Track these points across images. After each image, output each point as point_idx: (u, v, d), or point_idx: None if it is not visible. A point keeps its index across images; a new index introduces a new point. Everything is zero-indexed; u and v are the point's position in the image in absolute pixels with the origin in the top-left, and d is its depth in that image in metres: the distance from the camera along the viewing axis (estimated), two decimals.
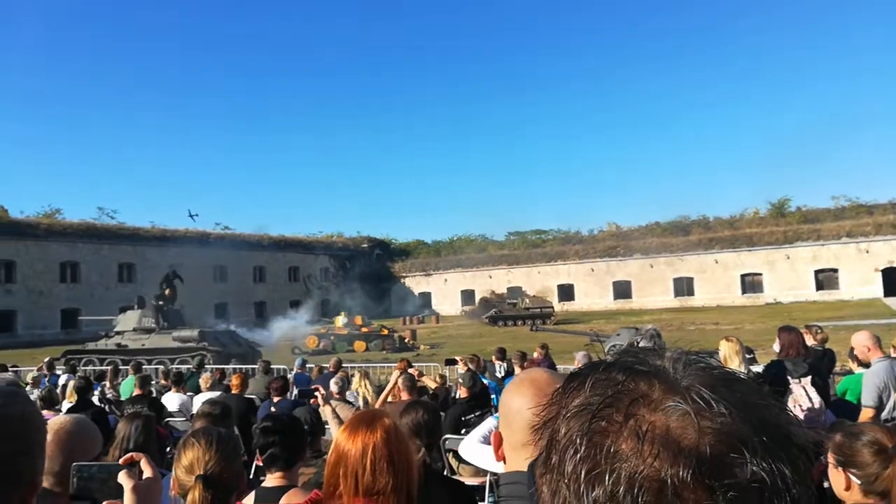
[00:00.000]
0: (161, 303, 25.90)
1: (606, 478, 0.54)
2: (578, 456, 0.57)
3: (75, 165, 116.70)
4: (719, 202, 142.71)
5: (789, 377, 5.09)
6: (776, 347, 5.68)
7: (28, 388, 9.95)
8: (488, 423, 3.36)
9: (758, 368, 6.59)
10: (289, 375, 11.66)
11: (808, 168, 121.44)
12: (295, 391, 8.33)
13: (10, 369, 13.11)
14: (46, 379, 11.38)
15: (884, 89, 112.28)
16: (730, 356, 5.11)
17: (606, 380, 0.62)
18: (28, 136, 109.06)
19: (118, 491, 1.58)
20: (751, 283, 54.72)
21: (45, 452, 1.22)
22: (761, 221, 59.67)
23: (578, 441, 0.58)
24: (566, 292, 61.32)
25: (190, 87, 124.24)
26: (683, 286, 56.84)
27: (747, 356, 6.15)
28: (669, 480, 0.52)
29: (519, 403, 1.48)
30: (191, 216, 57.97)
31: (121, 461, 1.63)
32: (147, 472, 1.63)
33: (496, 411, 3.60)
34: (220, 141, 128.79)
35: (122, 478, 1.58)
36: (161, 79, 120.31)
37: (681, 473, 0.52)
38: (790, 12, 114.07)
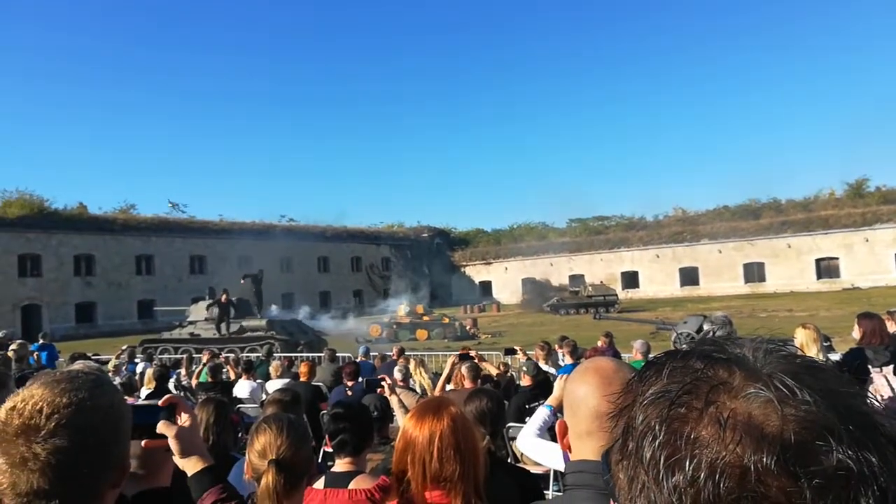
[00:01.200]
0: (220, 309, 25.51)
1: (687, 464, 0.55)
2: (657, 442, 0.58)
3: (147, 162, 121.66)
4: (792, 184, 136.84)
5: (870, 366, 4.88)
6: (855, 335, 5.43)
7: (110, 375, 10.46)
8: (541, 414, 3.34)
9: (836, 357, 6.32)
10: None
11: (888, 146, 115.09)
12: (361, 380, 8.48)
13: (91, 357, 13.81)
14: (124, 367, 11.93)
15: None
16: (807, 344, 4.91)
17: (684, 367, 0.62)
18: (101, 136, 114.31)
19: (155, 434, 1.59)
20: (826, 268, 52.35)
21: (129, 437, 1.28)
22: (837, 203, 56.81)
23: (657, 428, 0.58)
24: (630, 280, 60.16)
25: (251, 84, 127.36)
26: (754, 272, 54.86)
27: (824, 344, 5.91)
28: (752, 467, 0.52)
29: (584, 392, 1.47)
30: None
31: (160, 403, 1.65)
32: (184, 418, 1.64)
33: None
34: (283, 133, 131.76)
35: (163, 427, 1.59)
36: (220, 72, 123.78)
37: (764, 460, 0.52)
38: None
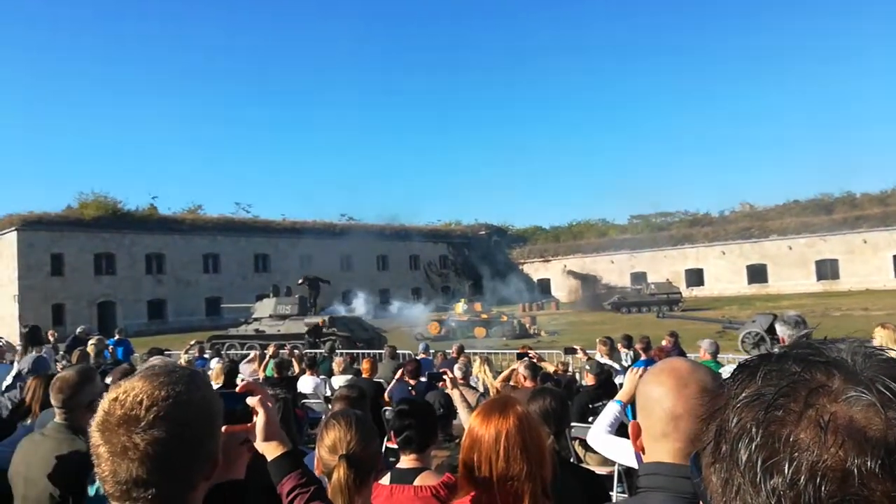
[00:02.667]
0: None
1: (786, 467, 0.55)
2: (754, 445, 0.58)
3: (213, 164, 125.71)
4: (866, 178, 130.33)
5: None
6: None
7: None
8: (612, 410, 3.30)
9: None
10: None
11: None
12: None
13: (164, 352, 14.38)
14: (194, 362, 12.34)
15: None
16: (887, 345, 4.67)
17: (779, 371, 0.61)
18: (170, 140, 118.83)
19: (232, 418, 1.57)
20: None
21: (220, 431, 1.32)
22: None
23: (753, 430, 0.58)
24: (695, 277, 58.56)
25: (308, 85, 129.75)
26: (827, 269, 52.55)
27: None
28: (856, 470, 0.52)
29: (659, 393, 1.44)
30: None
31: (238, 390, 1.66)
32: (268, 401, 1.66)
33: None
34: (342, 134, 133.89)
35: (254, 402, 1.60)
36: (280, 79, 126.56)
37: (868, 463, 0.52)
38: None
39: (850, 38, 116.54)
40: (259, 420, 1.62)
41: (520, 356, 6.98)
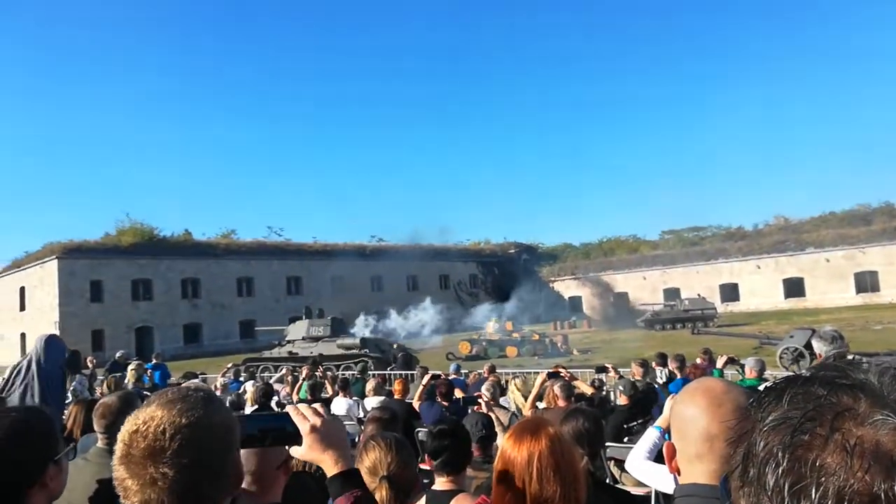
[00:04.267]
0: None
1: (813, 491, 0.55)
2: (780, 469, 0.58)
3: (246, 190, 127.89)
4: None
5: None
6: None
7: (219, 393, 10.98)
8: (651, 436, 3.26)
9: None
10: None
11: None
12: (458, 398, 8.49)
13: (199, 376, 14.61)
14: (229, 385, 12.49)
15: None
16: None
17: (805, 394, 0.61)
18: (205, 167, 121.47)
19: (286, 439, 1.46)
20: None
21: (239, 447, 1.33)
22: None
23: (780, 455, 0.58)
24: (730, 292, 57.46)
25: (325, 101, 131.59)
26: (866, 281, 51.15)
27: None
28: (883, 495, 0.52)
29: (693, 413, 1.44)
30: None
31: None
32: (316, 420, 1.48)
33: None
34: (372, 156, 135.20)
35: (294, 412, 1.47)
36: (303, 98, 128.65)
37: (895, 488, 0.52)
38: None
39: (881, 42, 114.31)
40: (303, 428, 1.47)
41: (551, 375, 6.92)
